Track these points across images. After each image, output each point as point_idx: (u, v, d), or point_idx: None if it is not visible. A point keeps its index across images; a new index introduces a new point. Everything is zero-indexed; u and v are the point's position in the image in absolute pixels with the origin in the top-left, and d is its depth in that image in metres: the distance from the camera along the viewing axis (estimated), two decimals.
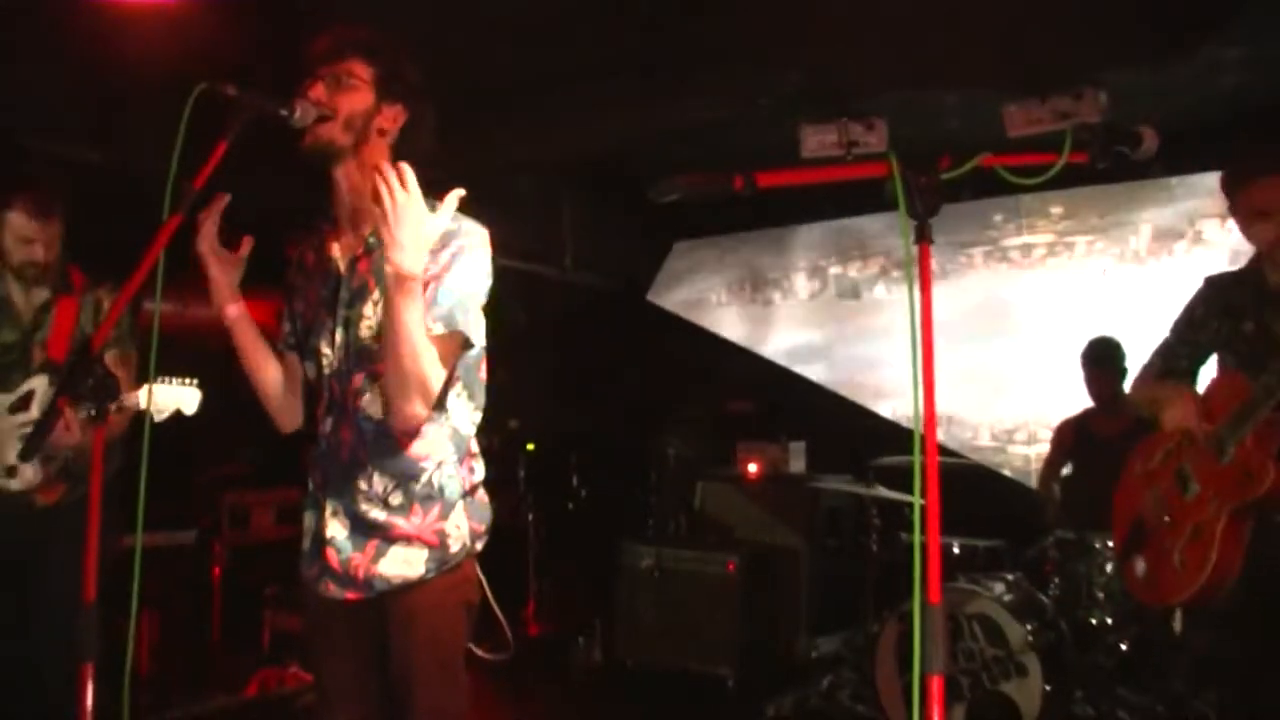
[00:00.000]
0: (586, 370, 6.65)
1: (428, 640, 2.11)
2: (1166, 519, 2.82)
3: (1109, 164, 2.32)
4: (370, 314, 2.12)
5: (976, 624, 3.91)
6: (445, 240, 2.08)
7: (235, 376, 2.30)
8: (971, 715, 3.86)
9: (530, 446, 6.47)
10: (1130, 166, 2.22)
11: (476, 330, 2.11)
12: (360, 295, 2.13)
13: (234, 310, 2.19)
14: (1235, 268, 2.94)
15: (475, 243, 2.13)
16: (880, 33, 3.81)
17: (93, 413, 1.95)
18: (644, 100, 4.61)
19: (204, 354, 2.22)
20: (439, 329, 2.02)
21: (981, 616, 3.91)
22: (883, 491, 4.60)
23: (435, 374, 1.99)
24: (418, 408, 1.99)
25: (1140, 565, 2.91)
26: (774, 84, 4.31)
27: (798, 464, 5.74)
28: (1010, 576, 4.23)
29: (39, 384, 3.00)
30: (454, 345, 2.06)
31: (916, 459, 1.49)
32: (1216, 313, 2.85)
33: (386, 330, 1.95)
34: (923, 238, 1.60)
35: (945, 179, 1.65)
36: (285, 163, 2.06)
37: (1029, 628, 3.84)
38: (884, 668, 4.16)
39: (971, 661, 3.89)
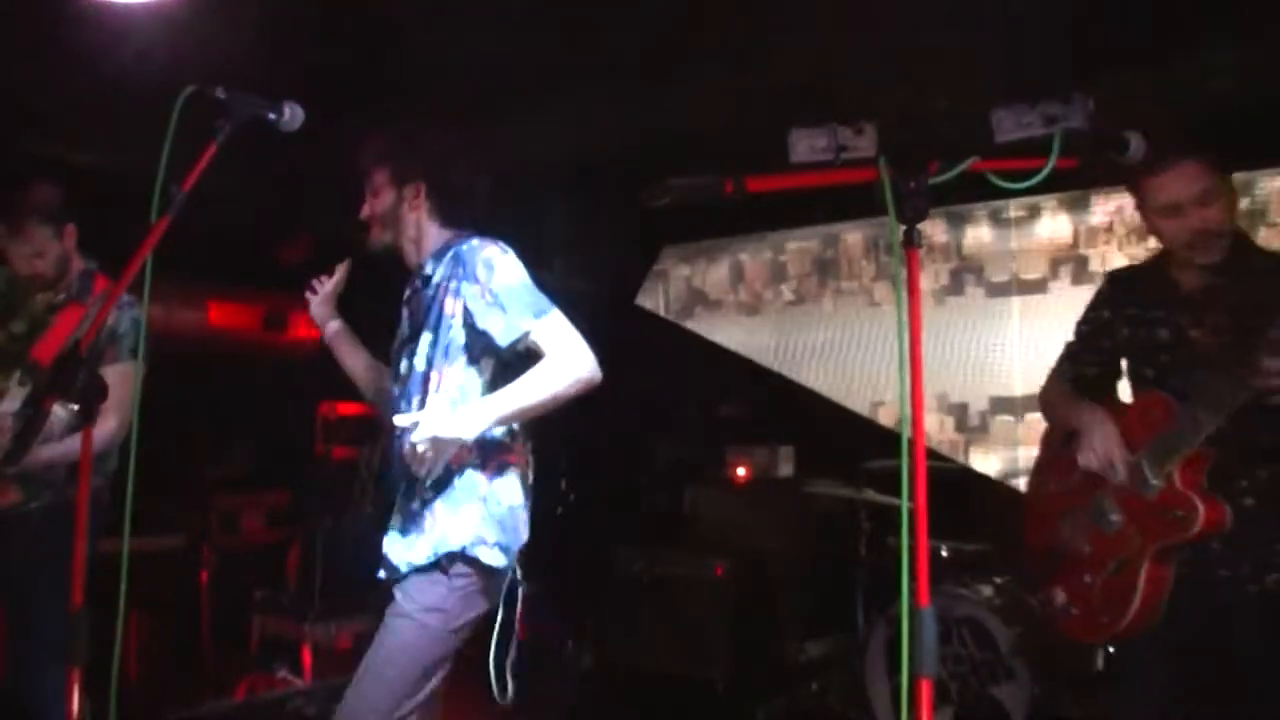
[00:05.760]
0: None
1: (382, 638, 2.30)
2: (1086, 549, 2.56)
3: (1098, 169, 2.33)
4: (417, 348, 2.42)
5: (965, 628, 3.91)
6: (462, 261, 2.34)
7: (223, 379, 2.30)
8: (960, 719, 3.87)
9: None
10: (1118, 171, 2.23)
11: (547, 301, 2.35)
12: (414, 333, 2.45)
13: (333, 327, 2.73)
14: (1138, 261, 2.71)
15: (487, 245, 2.37)
16: (871, 36, 3.82)
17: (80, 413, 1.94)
18: (633, 103, 4.62)
19: (193, 355, 2.21)
20: (532, 320, 2.32)
21: (970, 620, 3.91)
22: (872, 495, 4.61)
23: (563, 371, 2.38)
24: (583, 379, 2.41)
25: (1060, 595, 2.64)
26: (765, 88, 4.31)
27: (787, 468, 5.73)
28: (998, 580, 4.23)
29: (13, 382, 2.98)
30: (556, 320, 2.35)
31: (904, 463, 1.50)
32: (1124, 317, 2.61)
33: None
34: (911, 242, 1.61)
35: (934, 183, 1.65)
36: (271, 166, 2.06)
37: (1017, 631, 3.85)
38: (874, 671, 4.17)
39: (960, 665, 3.89)
